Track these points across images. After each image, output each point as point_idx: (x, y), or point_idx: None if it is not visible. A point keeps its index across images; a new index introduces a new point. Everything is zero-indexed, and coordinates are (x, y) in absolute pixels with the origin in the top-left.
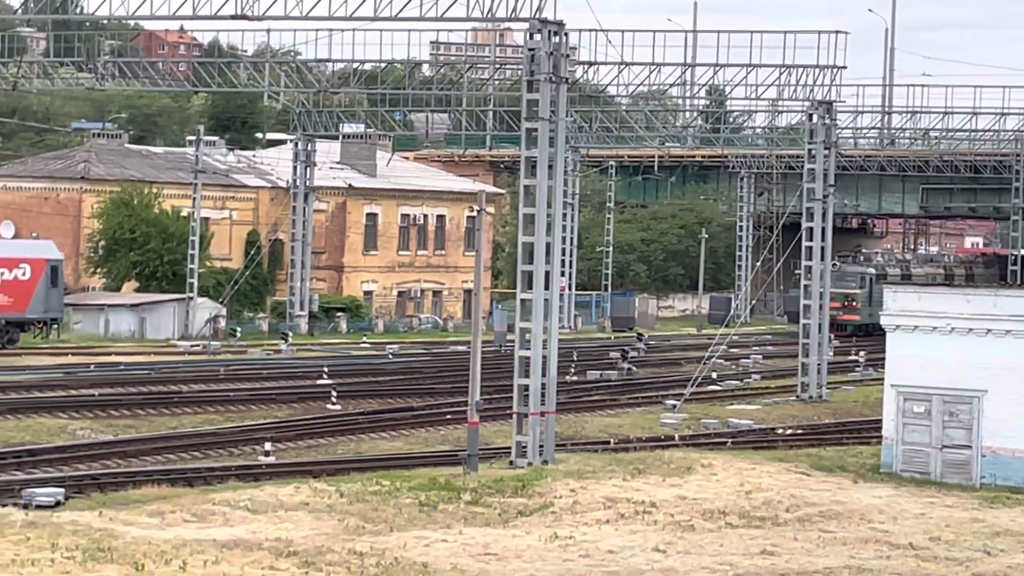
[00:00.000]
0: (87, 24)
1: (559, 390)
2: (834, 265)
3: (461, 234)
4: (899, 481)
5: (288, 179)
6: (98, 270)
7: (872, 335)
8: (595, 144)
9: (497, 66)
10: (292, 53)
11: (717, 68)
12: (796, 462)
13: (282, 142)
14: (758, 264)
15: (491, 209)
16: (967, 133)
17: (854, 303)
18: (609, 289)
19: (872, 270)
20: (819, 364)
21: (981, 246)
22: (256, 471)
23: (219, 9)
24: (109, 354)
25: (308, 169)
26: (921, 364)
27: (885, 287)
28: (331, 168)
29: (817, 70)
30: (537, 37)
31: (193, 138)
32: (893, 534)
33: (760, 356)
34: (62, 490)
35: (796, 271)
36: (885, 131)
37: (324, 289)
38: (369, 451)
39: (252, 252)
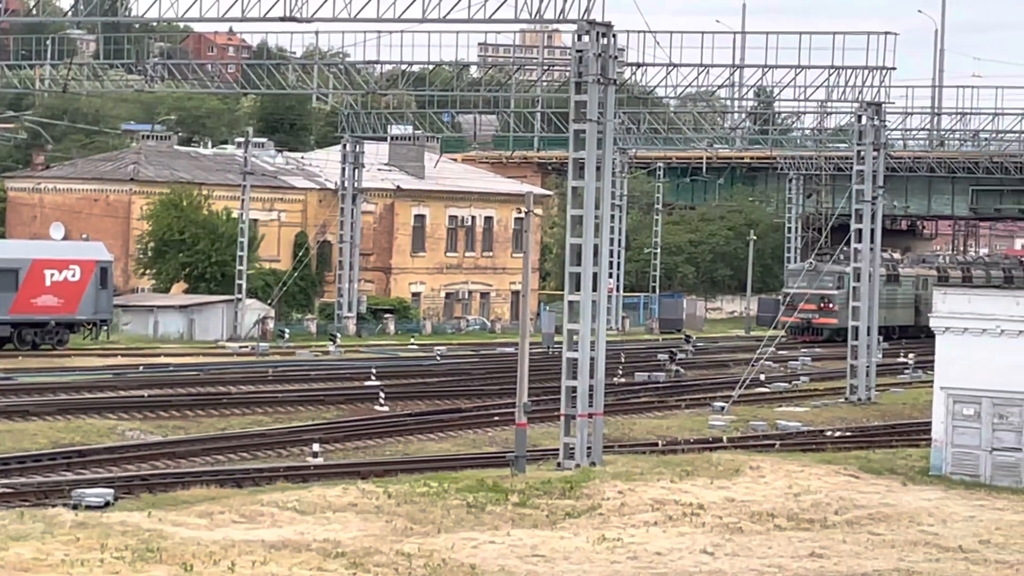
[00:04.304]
0: (136, 26)
1: (607, 392)
2: (809, 263)
3: (509, 236)
4: (948, 484)
5: (336, 181)
6: (147, 271)
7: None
8: (643, 146)
9: (545, 68)
10: (340, 55)
11: (765, 69)
12: (845, 464)
13: (331, 143)
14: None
15: (539, 211)
16: (1017, 134)
17: (831, 305)
18: (657, 291)
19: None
20: (868, 366)
21: None
22: (304, 472)
23: (268, 11)
24: (158, 355)
25: (356, 171)
26: (971, 366)
27: (935, 289)
28: (379, 170)
29: (866, 71)
30: (585, 39)
31: (241, 140)
32: (942, 537)
33: (809, 358)
34: (111, 491)
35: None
36: (935, 132)
37: (372, 291)
38: (417, 452)
39: (300, 254)
